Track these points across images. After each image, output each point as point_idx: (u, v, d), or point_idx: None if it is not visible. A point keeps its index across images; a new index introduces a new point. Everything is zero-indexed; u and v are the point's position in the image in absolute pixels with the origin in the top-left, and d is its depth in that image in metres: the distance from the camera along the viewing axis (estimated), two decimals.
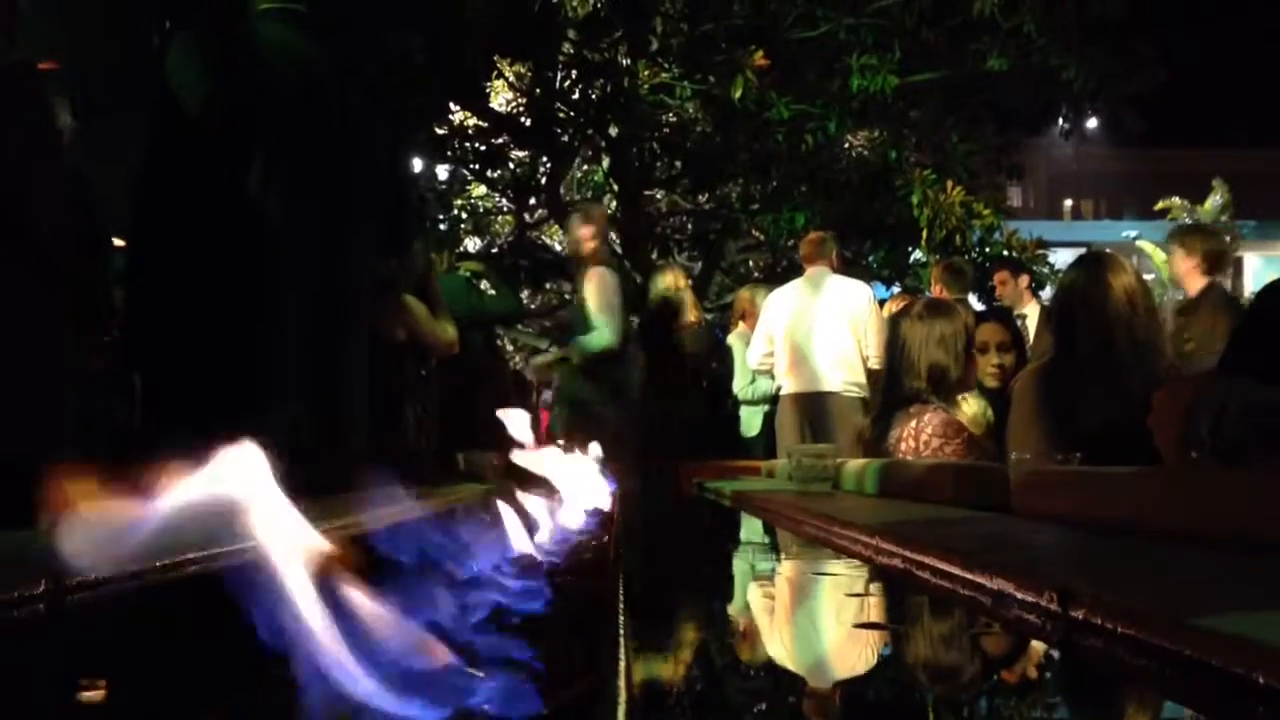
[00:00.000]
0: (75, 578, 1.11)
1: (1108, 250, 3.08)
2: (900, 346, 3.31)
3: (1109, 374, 2.66)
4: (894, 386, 3.33)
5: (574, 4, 9.47)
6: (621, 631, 0.89)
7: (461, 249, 12.26)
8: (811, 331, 5.66)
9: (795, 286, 5.89)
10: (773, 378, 6.02)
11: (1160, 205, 19.02)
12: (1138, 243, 19.00)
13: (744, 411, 6.70)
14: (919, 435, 3.15)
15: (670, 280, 6.46)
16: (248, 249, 2.47)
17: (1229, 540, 1.21)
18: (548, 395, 11.83)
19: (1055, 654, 0.91)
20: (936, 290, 5.93)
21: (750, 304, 6.75)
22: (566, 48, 9.80)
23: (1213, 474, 1.49)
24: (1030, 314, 6.15)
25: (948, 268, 6.28)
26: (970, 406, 3.47)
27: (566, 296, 14.66)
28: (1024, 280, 6.48)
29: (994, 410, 3.52)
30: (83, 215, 2.69)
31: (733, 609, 1.30)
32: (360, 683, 0.56)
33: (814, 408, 5.57)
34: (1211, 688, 0.72)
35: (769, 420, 6.43)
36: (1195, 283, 4.94)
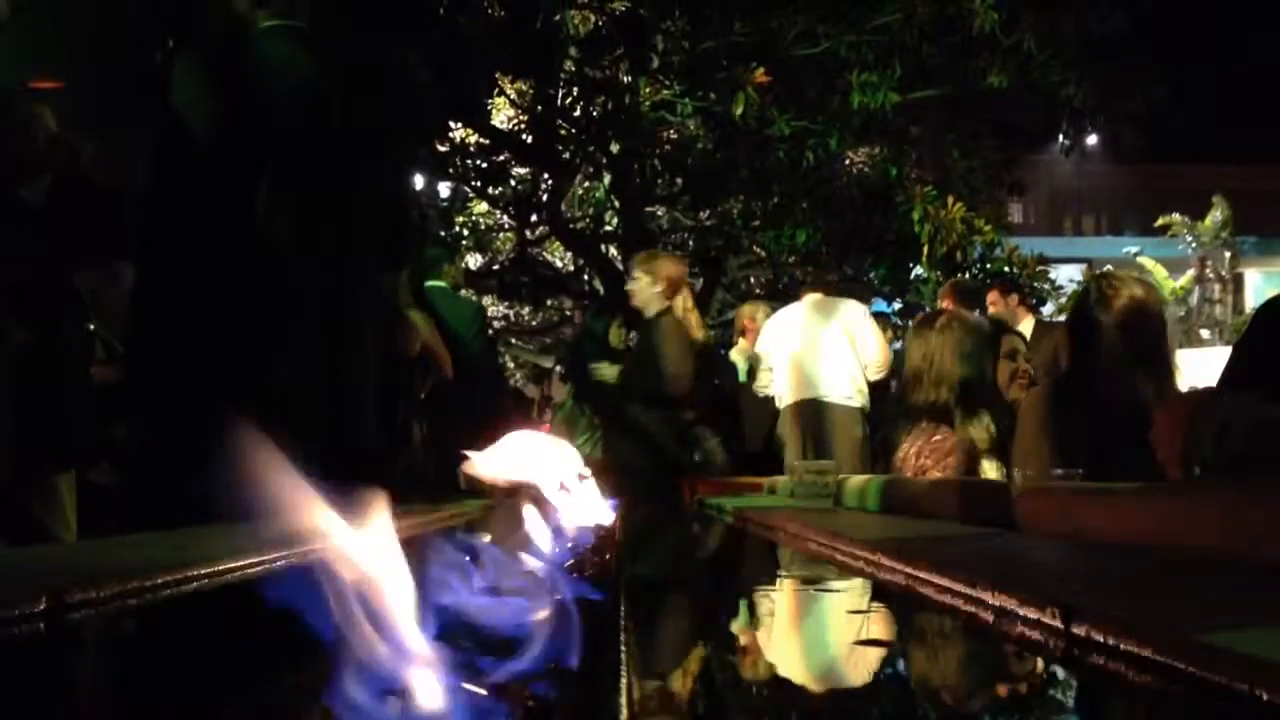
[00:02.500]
0: (76, 594, 1.11)
1: (1110, 269, 3.11)
2: (928, 357, 3.31)
3: (1111, 391, 2.66)
4: (914, 396, 3.33)
5: (575, 21, 9.50)
6: (623, 648, 0.89)
7: (463, 265, 12.27)
8: (811, 347, 5.71)
9: (794, 309, 5.99)
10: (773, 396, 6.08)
11: (1161, 221, 19.03)
12: (1139, 259, 19.01)
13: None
14: (932, 454, 3.15)
15: (680, 298, 6.45)
16: (255, 266, 2.47)
17: (1232, 557, 1.20)
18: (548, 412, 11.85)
19: (1058, 670, 0.91)
20: (944, 306, 5.99)
21: (751, 320, 6.78)
22: (568, 65, 9.83)
23: (1215, 491, 1.49)
24: (1025, 329, 6.21)
25: (955, 285, 6.37)
26: (974, 427, 3.47)
27: (567, 313, 14.69)
28: (1014, 299, 6.57)
29: (1001, 425, 3.52)
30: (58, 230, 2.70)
31: (734, 625, 1.30)
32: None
33: (814, 416, 5.61)
34: (1215, 705, 0.72)
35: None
36: (657, 305, 5.26)
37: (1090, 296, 2.88)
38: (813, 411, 5.64)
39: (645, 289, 5.26)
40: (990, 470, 3.33)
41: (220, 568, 1.36)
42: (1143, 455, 1.86)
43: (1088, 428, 2.68)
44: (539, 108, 10.42)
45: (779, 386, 5.91)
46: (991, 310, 6.52)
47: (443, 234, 11.28)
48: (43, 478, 2.82)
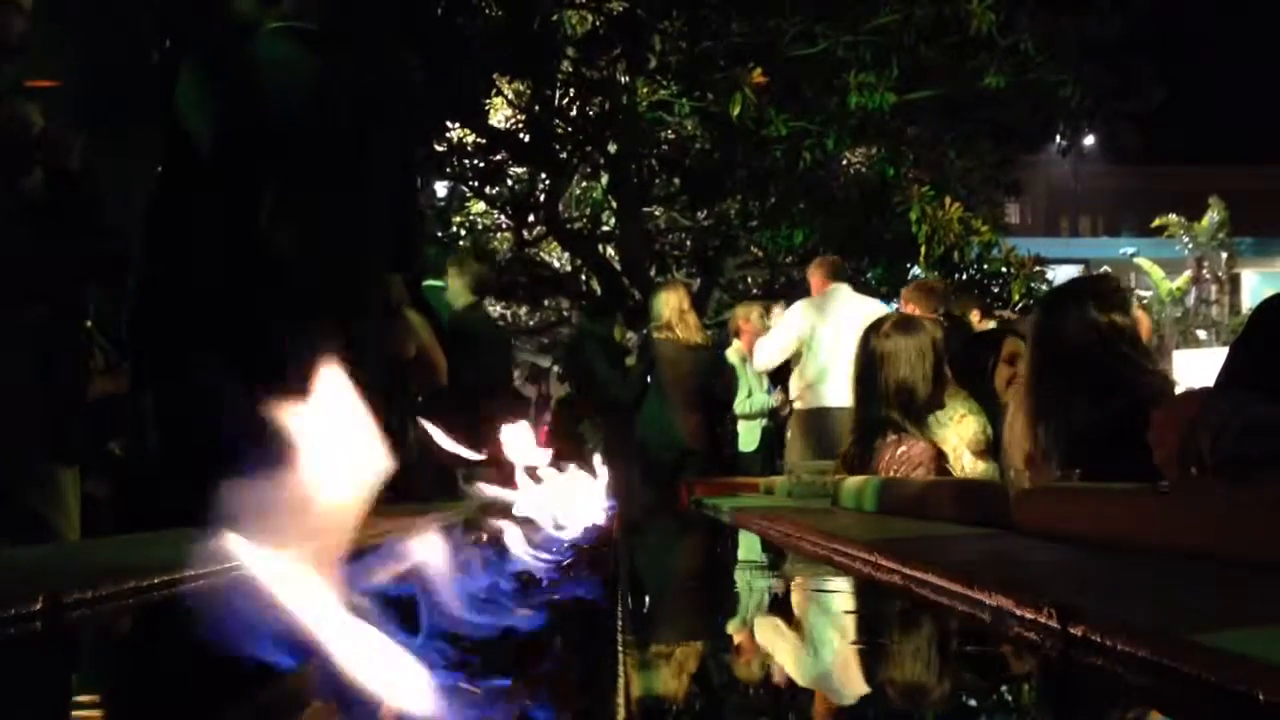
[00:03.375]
0: (73, 594, 1.11)
1: (1107, 269, 3.12)
2: (873, 364, 3.30)
3: (1078, 393, 2.68)
4: (868, 406, 3.33)
5: (573, 22, 9.50)
6: (620, 648, 0.89)
7: None
8: (829, 349, 5.66)
9: (814, 303, 5.89)
10: (775, 382, 6.04)
11: (1158, 222, 19.06)
12: (1135, 260, 19.02)
13: (741, 426, 6.70)
14: (902, 468, 3.15)
15: (675, 300, 6.40)
16: (257, 270, 2.46)
17: (1229, 557, 1.20)
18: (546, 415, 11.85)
19: (1054, 671, 0.91)
20: (908, 309, 5.92)
21: (745, 321, 6.76)
22: (565, 65, 9.83)
23: (1212, 491, 1.49)
24: None
25: (919, 286, 6.29)
26: (969, 426, 3.47)
27: (564, 313, 14.69)
28: (976, 314, 6.51)
29: (998, 427, 3.52)
30: (75, 241, 2.69)
31: (731, 626, 1.30)
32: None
33: (825, 424, 5.58)
34: (1211, 705, 0.72)
35: (766, 435, 6.43)
36: (464, 299, 5.68)
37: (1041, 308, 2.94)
38: (823, 419, 5.60)
39: (453, 282, 5.61)
40: (979, 470, 3.33)
41: (218, 568, 1.36)
42: (1127, 453, 1.86)
43: (1063, 426, 2.69)
44: (536, 108, 10.42)
45: (794, 386, 5.88)
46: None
47: (440, 234, 11.28)
48: (45, 472, 2.81)
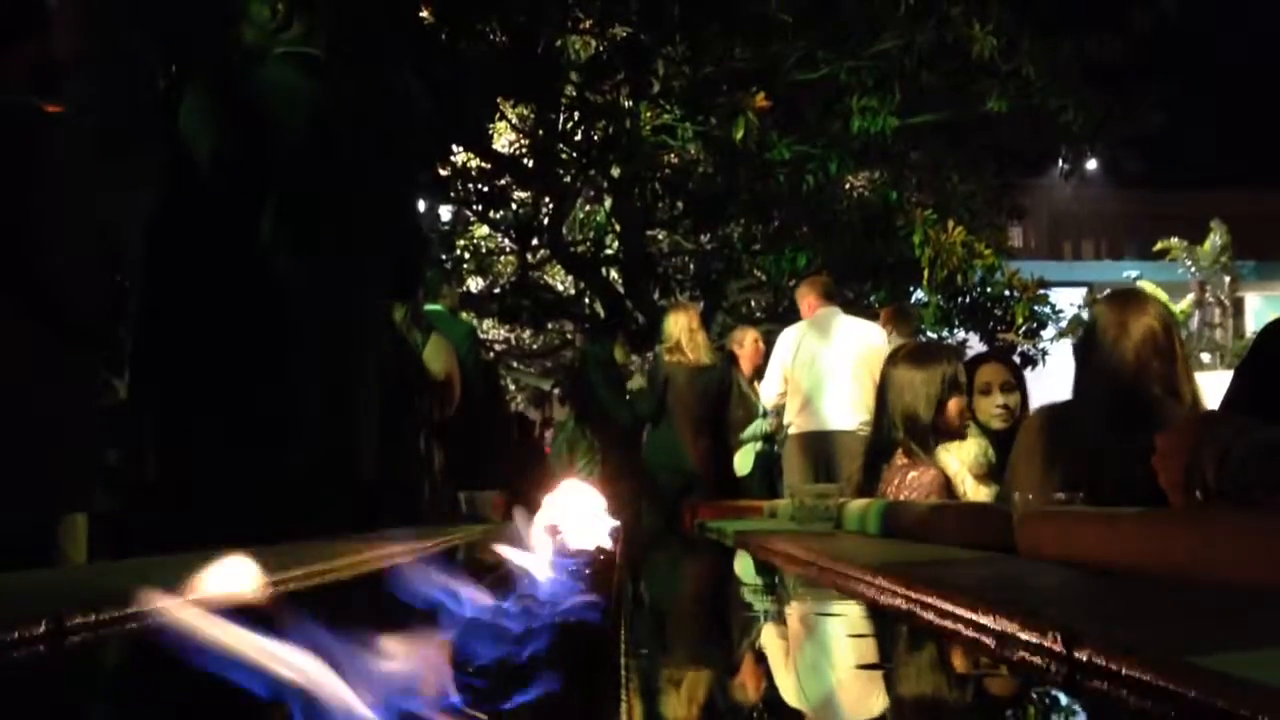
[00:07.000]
0: (75, 618, 1.10)
1: (1134, 288, 3.09)
2: (887, 390, 3.33)
3: (1119, 414, 2.66)
4: (879, 431, 3.36)
5: (576, 47, 9.55)
6: (623, 673, 0.88)
7: (464, 289, 12.30)
8: (822, 371, 5.66)
9: (805, 326, 5.90)
10: (778, 414, 6.04)
11: (1160, 246, 19.06)
12: (1138, 283, 19.01)
13: (738, 451, 6.68)
14: (913, 493, 3.15)
15: (685, 321, 6.40)
16: (257, 296, 2.47)
17: (1234, 582, 1.20)
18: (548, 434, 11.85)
19: (1059, 695, 0.90)
20: (887, 329, 5.95)
21: (739, 346, 6.77)
22: (569, 90, 9.87)
23: (1217, 515, 1.49)
24: None
25: (895, 311, 6.31)
26: (969, 450, 3.45)
27: (568, 336, 14.70)
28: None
29: (997, 452, 3.51)
30: (108, 275, 2.68)
31: (734, 650, 1.30)
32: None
33: (823, 446, 5.57)
34: None
35: (759, 459, 6.41)
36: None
37: (1091, 323, 2.91)
38: (820, 442, 5.59)
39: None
40: (980, 495, 3.33)
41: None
42: (1133, 478, 1.86)
43: (1085, 451, 2.68)
44: (540, 132, 10.46)
45: (788, 409, 5.87)
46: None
47: (444, 258, 11.30)
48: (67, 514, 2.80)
